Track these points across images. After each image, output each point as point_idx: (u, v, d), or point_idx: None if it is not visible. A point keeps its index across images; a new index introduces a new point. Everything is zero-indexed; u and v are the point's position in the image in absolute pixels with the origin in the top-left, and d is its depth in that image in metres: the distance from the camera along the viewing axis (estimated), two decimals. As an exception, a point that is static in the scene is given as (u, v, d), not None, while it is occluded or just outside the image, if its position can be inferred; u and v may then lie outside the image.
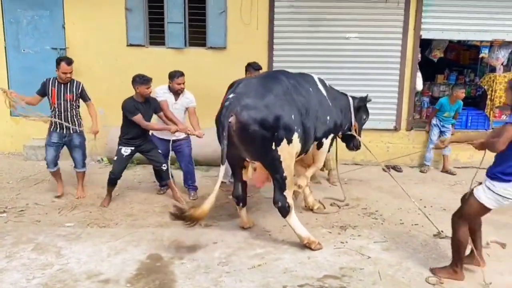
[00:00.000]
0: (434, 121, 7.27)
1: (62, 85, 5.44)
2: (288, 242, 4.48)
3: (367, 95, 5.63)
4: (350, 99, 5.43)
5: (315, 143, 4.85)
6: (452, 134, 7.05)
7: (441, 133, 7.19)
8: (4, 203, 5.39)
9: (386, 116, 7.44)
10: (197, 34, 7.47)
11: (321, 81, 5.07)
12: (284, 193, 4.24)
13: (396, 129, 7.52)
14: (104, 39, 7.37)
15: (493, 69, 7.80)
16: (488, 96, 7.64)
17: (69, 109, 5.49)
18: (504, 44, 7.43)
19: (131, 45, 7.41)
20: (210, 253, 4.22)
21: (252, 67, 5.92)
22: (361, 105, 5.55)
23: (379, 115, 7.33)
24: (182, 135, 5.57)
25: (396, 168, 7.31)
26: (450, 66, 9.03)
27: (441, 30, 7.28)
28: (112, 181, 5.43)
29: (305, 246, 4.28)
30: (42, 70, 7.31)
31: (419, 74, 7.44)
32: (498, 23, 7.22)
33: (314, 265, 4.03)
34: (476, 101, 8.37)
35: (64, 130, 5.49)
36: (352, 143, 5.71)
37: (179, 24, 7.31)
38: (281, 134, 4.10)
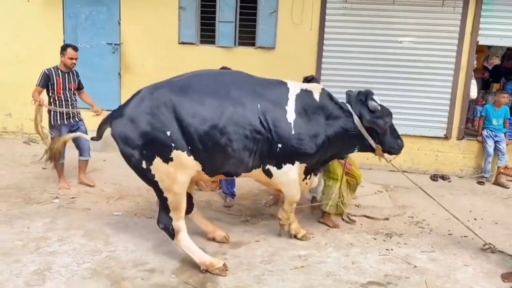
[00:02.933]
0: (485, 132, 7.05)
1: (66, 74, 5.50)
2: (331, 245, 4.42)
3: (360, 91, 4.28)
4: (357, 121, 4.11)
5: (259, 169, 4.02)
6: (507, 145, 6.90)
7: (496, 143, 6.95)
8: (57, 190, 5.62)
9: (436, 124, 7.22)
10: (247, 34, 7.53)
11: (304, 94, 4.05)
12: (169, 215, 3.82)
13: (446, 137, 7.27)
14: (157, 36, 7.57)
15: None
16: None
17: (73, 98, 5.57)
18: None
19: (182, 43, 7.57)
20: (253, 250, 4.22)
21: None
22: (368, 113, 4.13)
23: (429, 122, 7.14)
24: None
25: (445, 178, 7.08)
26: (507, 75, 8.65)
27: (500, 36, 6.99)
28: None
29: (203, 271, 3.76)
30: (97, 64, 7.63)
31: (474, 82, 7.18)
32: None
33: (358, 270, 3.95)
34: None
35: (72, 120, 5.57)
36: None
37: (230, 23, 7.40)
38: (151, 152, 3.66)
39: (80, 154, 5.82)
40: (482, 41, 7.00)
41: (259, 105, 3.87)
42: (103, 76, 7.73)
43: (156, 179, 3.74)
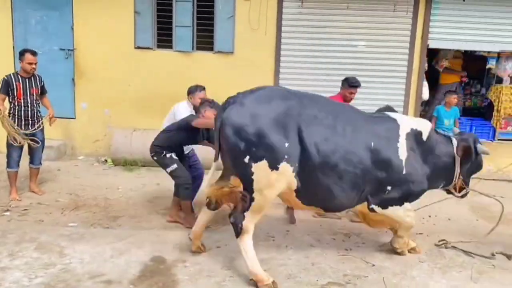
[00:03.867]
0: None
1: (27, 79, 5.43)
2: (292, 248, 4.45)
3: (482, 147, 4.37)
4: (454, 146, 4.23)
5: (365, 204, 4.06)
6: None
7: None
8: (8, 201, 5.38)
9: (391, 125, 7.40)
10: (205, 38, 7.50)
11: (414, 132, 4.05)
12: (244, 213, 3.75)
13: (401, 138, 7.48)
14: (112, 41, 7.41)
15: (499, 80, 7.79)
16: (495, 108, 7.62)
17: (34, 104, 5.48)
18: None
19: (138, 47, 7.44)
20: (214, 257, 4.19)
21: (348, 83, 5.32)
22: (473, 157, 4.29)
23: (385, 124, 7.31)
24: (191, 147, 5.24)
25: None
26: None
27: (449, 40, 7.29)
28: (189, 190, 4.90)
29: (250, 281, 3.74)
30: (50, 71, 7.38)
31: (425, 83, 7.44)
32: (506, 35, 7.23)
33: (318, 271, 3.99)
34: (483, 112, 8.37)
35: (30, 127, 5.45)
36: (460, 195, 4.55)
37: (187, 28, 7.34)
38: (261, 153, 3.55)
39: (31, 162, 5.69)
40: (432, 44, 7.28)
41: (372, 144, 3.86)
42: (56, 83, 7.42)
43: (253, 177, 3.62)
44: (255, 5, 7.21)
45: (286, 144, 3.59)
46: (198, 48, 7.48)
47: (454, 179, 4.30)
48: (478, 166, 4.46)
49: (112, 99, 7.56)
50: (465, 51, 8.06)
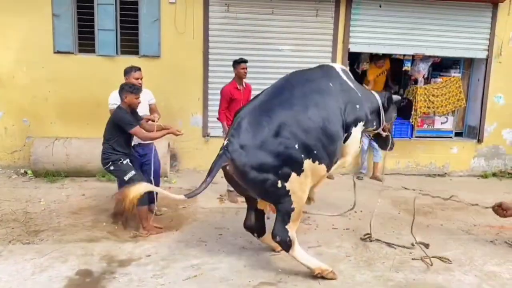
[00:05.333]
0: None
1: None
2: (224, 251, 4.45)
3: (403, 98, 5.40)
4: (377, 97, 4.93)
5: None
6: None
7: (370, 140, 7.54)
8: None
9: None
10: (129, 42, 7.31)
11: (345, 72, 4.67)
12: (286, 227, 3.87)
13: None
14: (28, 45, 7.00)
15: (415, 81, 8.34)
16: (413, 107, 8.13)
17: None
18: (424, 58, 8.00)
19: (58, 52, 7.08)
20: (144, 266, 4.08)
21: (237, 62, 5.99)
22: (391, 105, 5.06)
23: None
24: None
25: (328, 176, 7.52)
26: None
27: (368, 44, 7.68)
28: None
29: (316, 277, 3.91)
30: (-43, 77, 6.81)
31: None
32: (418, 39, 7.75)
33: (250, 273, 4.03)
34: (401, 112, 8.87)
35: None
36: (384, 143, 5.34)
37: (110, 32, 7.11)
38: (286, 170, 3.75)
39: None
40: (353, 48, 7.64)
41: (331, 84, 4.28)
42: (-35, 91, 6.95)
43: (290, 193, 3.81)
44: (180, 8, 7.15)
45: (296, 146, 3.80)
46: (123, 52, 7.26)
47: (382, 122, 4.93)
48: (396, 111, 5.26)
49: (31, 107, 7.14)
50: (383, 54, 8.52)
